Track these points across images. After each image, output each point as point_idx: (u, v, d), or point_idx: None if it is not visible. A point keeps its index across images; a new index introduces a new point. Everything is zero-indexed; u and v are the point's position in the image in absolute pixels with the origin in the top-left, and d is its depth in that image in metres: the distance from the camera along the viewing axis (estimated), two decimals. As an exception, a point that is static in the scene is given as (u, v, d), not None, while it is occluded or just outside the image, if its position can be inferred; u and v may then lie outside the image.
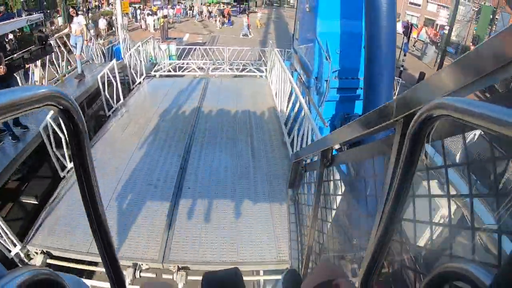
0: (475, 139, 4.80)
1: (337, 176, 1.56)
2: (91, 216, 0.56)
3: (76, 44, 6.84)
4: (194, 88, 7.51)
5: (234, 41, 18.59)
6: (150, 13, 24.71)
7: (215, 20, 25.36)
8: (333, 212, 1.64)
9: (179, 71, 10.36)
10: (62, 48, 7.71)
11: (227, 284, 0.77)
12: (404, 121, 0.67)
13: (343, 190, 1.60)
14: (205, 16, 27.80)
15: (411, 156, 0.55)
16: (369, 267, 0.69)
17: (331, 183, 1.61)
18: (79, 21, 6.73)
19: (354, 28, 6.34)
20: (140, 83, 7.89)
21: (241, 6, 31.71)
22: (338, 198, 1.61)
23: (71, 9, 7.25)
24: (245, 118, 5.91)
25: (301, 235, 2.98)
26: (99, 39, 15.17)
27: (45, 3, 19.91)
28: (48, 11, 19.55)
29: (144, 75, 8.22)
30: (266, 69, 9.04)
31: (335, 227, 1.66)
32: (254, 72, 10.03)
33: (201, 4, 31.72)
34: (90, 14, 21.32)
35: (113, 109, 6.23)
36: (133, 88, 7.62)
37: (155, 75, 8.81)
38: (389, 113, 0.74)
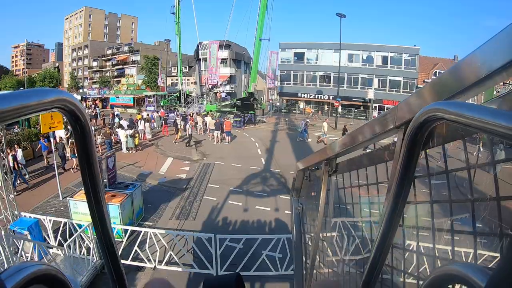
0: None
1: (341, 185, 1.56)
2: (94, 216, 0.57)
3: None
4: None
5: (237, 173, 12.61)
6: (123, 125, 16.75)
7: (211, 136, 19.12)
8: (337, 222, 1.62)
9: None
10: None
11: None
12: (405, 128, 0.68)
13: (346, 199, 1.60)
14: (201, 129, 21.45)
15: (410, 162, 0.56)
16: (371, 269, 0.69)
17: (335, 192, 1.60)
18: None
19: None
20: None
21: (245, 115, 25.65)
22: (342, 207, 1.60)
23: None
24: None
25: (306, 244, 2.94)
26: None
27: None
28: None
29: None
30: None
31: (338, 237, 1.64)
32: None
33: (196, 113, 25.32)
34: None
35: None
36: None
37: None
38: (391, 120, 0.75)
